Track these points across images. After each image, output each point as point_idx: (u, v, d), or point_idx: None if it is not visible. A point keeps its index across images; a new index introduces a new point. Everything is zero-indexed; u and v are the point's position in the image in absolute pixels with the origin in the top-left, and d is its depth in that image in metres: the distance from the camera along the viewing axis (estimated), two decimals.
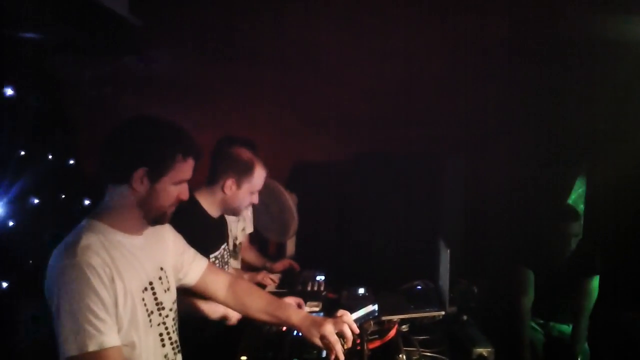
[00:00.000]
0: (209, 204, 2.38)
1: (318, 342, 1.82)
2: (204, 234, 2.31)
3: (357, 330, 1.89)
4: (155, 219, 1.61)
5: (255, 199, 2.46)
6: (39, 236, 3.06)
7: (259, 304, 1.96)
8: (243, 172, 2.36)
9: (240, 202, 2.41)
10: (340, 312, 1.94)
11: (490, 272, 3.44)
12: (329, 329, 1.81)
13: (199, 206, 2.35)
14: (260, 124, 3.93)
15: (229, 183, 2.34)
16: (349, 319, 1.90)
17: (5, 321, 2.87)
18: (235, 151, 2.39)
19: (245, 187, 2.38)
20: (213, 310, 2.17)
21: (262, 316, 1.95)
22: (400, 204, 3.55)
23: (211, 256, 2.35)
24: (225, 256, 2.53)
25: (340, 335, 1.84)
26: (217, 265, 2.39)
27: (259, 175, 2.41)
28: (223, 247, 2.49)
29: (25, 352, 2.87)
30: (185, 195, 1.62)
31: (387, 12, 3.75)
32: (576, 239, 2.86)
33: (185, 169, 1.58)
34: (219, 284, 1.96)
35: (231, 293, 1.97)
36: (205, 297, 1.98)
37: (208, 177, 2.41)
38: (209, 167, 2.44)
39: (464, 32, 3.71)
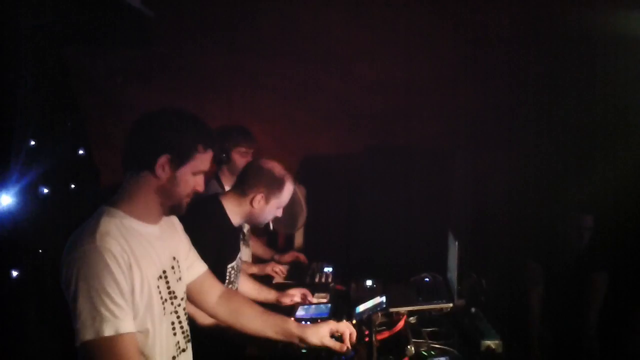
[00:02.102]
0: (234, 213, 2.35)
1: (328, 341, 1.86)
2: (224, 243, 2.31)
3: (354, 331, 1.93)
4: (172, 208, 1.63)
5: (279, 212, 2.44)
6: (49, 226, 3.08)
7: (254, 311, 1.96)
8: (273, 187, 2.33)
9: (265, 216, 2.40)
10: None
11: (499, 265, 3.44)
12: (336, 324, 1.89)
13: (225, 214, 2.33)
14: (269, 116, 3.94)
15: (258, 198, 2.31)
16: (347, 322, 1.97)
17: (16, 310, 2.89)
18: (268, 166, 2.37)
19: (273, 202, 2.35)
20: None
21: (256, 324, 1.93)
22: (409, 197, 3.54)
23: (228, 266, 2.35)
24: (240, 264, 2.53)
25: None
26: (233, 274, 2.39)
27: (288, 191, 2.39)
28: (239, 256, 2.48)
29: (35, 341, 2.89)
30: (201, 187, 1.64)
31: (398, 5, 3.74)
32: (589, 232, 2.86)
33: (205, 160, 1.61)
34: (212, 290, 1.95)
35: (224, 301, 1.95)
36: (194, 302, 1.94)
37: (236, 185, 2.40)
38: (238, 177, 2.43)
39: (475, 26, 3.69)
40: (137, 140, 1.57)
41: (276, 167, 2.37)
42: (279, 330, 1.91)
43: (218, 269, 2.23)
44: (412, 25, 3.78)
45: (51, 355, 2.96)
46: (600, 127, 3.56)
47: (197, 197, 1.68)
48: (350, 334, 1.90)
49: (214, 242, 2.17)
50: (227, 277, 2.33)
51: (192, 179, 1.60)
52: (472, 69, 3.81)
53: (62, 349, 2.85)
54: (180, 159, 1.56)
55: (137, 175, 1.56)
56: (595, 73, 3.48)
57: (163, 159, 1.53)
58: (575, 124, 3.65)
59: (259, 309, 1.98)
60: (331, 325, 1.89)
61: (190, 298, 1.90)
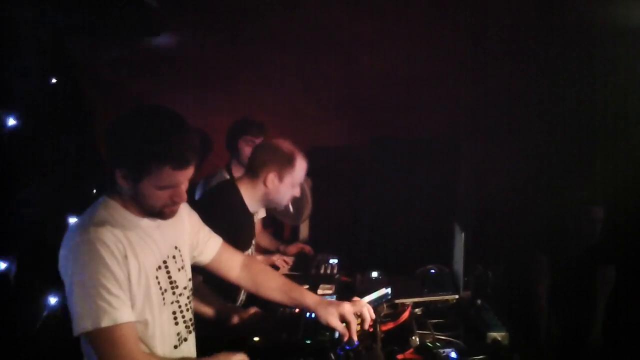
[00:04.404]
0: (250, 198, 2.32)
1: (334, 321, 1.82)
2: (241, 231, 2.29)
3: (374, 316, 1.90)
4: (152, 215, 1.56)
5: (297, 191, 2.41)
6: (53, 217, 3.08)
7: (274, 283, 1.97)
8: (284, 164, 2.30)
9: (282, 195, 2.36)
10: (356, 298, 1.94)
11: (505, 257, 3.42)
12: (348, 308, 1.82)
13: (242, 201, 2.31)
14: (275, 107, 3.92)
15: (271, 177, 2.28)
16: (366, 303, 1.91)
17: (20, 300, 2.89)
18: (275, 142, 2.34)
19: (287, 180, 2.31)
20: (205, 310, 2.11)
21: (276, 296, 1.96)
22: (415, 188, 3.53)
23: (244, 254, 2.34)
24: (253, 251, 2.52)
25: (357, 316, 1.85)
26: None
27: (301, 167, 2.35)
28: (253, 242, 2.47)
29: (39, 331, 2.90)
30: (179, 198, 1.53)
31: None
32: (600, 224, 2.84)
33: (170, 177, 1.46)
34: (233, 262, 1.97)
35: (245, 272, 1.98)
36: (220, 275, 1.97)
37: (248, 169, 2.38)
38: (249, 160, 2.40)
39: (479, 17, 3.66)
40: (105, 146, 1.49)
41: (284, 144, 2.34)
42: (296, 303, 1.94)
43: None
44: (416, 16, 3.74)
45: (55, 344, 2.97)
46: (609, 118, 3.53)
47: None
48: (363, 321, 1.85)
49: (230, 230, 2.14)
50: None
51: (161, 193, 1.48)
52: (476, 60, 3.78)
53: (66, 338, 2.85)
54: (135, 175, 1.44)
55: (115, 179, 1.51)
56: (600, 63, 3.44)
57: (118, 173, 1.45)
58: (585, 115, 3.62)
59: (279, 280, 2.00)
60: (346, 307, 1.82)
61: (215, 272, 1.94)
